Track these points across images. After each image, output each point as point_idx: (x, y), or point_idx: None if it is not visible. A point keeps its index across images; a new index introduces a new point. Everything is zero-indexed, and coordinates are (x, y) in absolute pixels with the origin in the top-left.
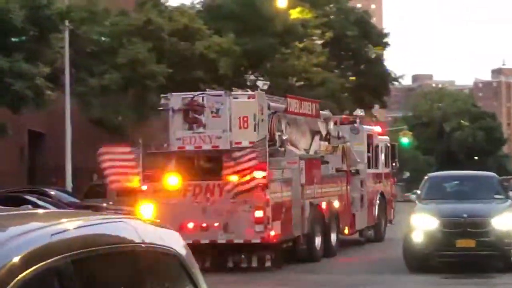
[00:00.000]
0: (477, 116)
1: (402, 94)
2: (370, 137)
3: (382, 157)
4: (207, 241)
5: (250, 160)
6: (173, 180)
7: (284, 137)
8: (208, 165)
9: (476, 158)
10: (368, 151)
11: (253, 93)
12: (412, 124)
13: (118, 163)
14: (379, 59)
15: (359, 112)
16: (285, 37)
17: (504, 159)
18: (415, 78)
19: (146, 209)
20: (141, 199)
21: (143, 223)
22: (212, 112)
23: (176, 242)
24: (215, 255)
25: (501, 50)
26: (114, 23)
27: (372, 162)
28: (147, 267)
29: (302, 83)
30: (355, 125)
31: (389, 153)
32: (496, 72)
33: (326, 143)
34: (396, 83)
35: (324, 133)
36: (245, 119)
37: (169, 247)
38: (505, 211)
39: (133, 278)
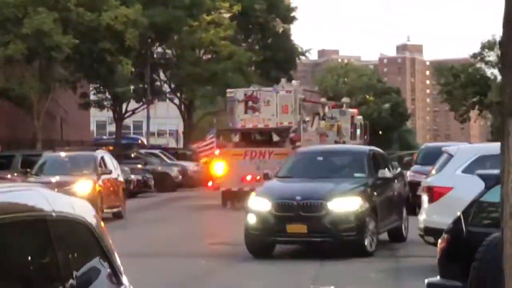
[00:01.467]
0: (383, 91)
1: (308, 69)
2: (352, 117)
3: (358, 131)
4: None
5: (293, 133)
6: (237, 146)
7: (306, 119)
8: (261, 137)
9: (380, 133)
10: (351, 128)
11: (290, 89)
12: None
13: (204, 144)
14: (286, 33)
15: (346, 99)
16: (193, 9)
17: (407, 134)
18: (321, 53)
19: (219, 166)
20: (215, 159)
21: (54, 192)
22: (264, 102)
23: (87, 212)
24: None
25: (406, 26)
26: None
27: (353, 135)
28: (58, 235)
29: (209, 56)
30: (343, 109)
31: (362, 128)
32: (401, 48)
33: (323, 122)
34: (303, 57)
35: (321, 114)
36: (286, 107)
37: (80, 216)
38: (349, 193)
39: (44, 246)
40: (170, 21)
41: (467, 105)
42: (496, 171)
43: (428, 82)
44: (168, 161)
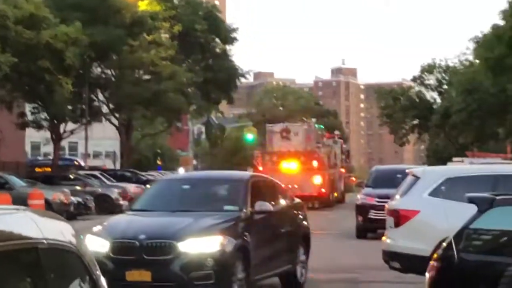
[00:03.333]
0: (320, 114)
1: (243, 91)
2: (341, 145)
3: (344, 156)
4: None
5: (314, 155)
6: (278, 165)
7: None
8: (293, 157)
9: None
10: (341, 154)
11: (311, 125)
12: (256, 121)
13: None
14: (227, 54)
15: (337, 132)
16: (134, 28)
17: None
18: (256, 75)
19: None
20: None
21: (42, 216)
22: (294, 134)
23: (72, 234)
24: None
25: (341, 50)
26: None
27: (342, 160)
28: (49, 265)
29: (149, 76)
30: (336, 138)
31: (346, 154)
32: (336, 71)
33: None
34: (243, 78)
35: (322, 143)
36: (309, 136)
37: (69, 242)
38: (208, 230)
39: (34, 276)
40: (110, 40)
41: (406, 128)
42: (487, 194)
43: (362, 105)
44: (108, 182)
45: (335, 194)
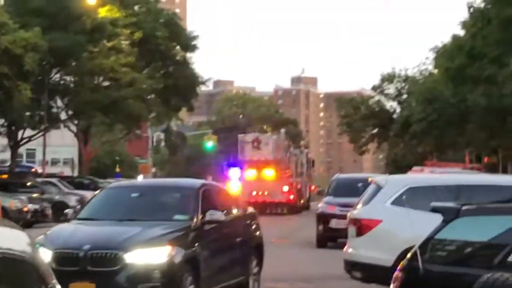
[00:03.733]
0: (280, 122)
1: (203, 99)
2: (307, 154)
3: (308, 165)
4: (261, 200)
5: (284, 164)
6: (248, 173)
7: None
8: (263, 166)
9: None
10: (306, 163)
11: (281, 135)
12: (216, 128)
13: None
14: (187, 62)
15: (304, 142)
16: (94, 35)
17: None
18: (216, 83)
19: (237, 185)
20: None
21: None
22: (264, 144)
23: (27, 244)
24: (264, 207)
25: (301, 58)
26: None
27: (307, 168)
28: (1, 275)
29: (109, 83)
30: (302, 148)
31: (310, 163)
32: (296, 80)
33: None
34: (203, 86)
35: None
36: (278, 146)
37: (23, 252)
38: (156, 241)
39: None
40: (70, 46)
41: (366, 137)
42: (453, 204)
43: (322, 114)
44: (66, 189)
45: (302, 201)
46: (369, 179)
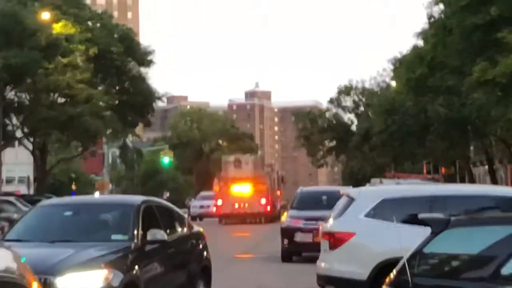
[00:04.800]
0: (236, 137)
1: (157, 114)
2: (277, 172)
3: (278, 181)
4: (243, 211)
5: (261, 180)
6: (231, 188)
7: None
8: (244, 182)
9: None
10: (277, 179)
11: (258, 155)
12: (172, 144)
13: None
14: (143, 77)
15: (272, 162)
16: (49, 51)
17: None
18: (170, 99)
19: (219, 200)
20: (217, 196)
21: None
22: (244, 163)
23: (15, 261)
24: (245, 217)
25: (254, 72)
26: None
27: (278, 184)
28: None
29: (64, 100)
30: (272, 167)
31: (281, 179)
32: (250, 94)
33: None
34: (160, 101)
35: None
36: (256, 165)
37: (20, 276)
38: (90, 264)
39: None
40: (25, 63)
41: (324, 151)
42: (442, 215)
43: (276, 128)
44: (24, 208)
45: (275, 211)
46: (340, 192)
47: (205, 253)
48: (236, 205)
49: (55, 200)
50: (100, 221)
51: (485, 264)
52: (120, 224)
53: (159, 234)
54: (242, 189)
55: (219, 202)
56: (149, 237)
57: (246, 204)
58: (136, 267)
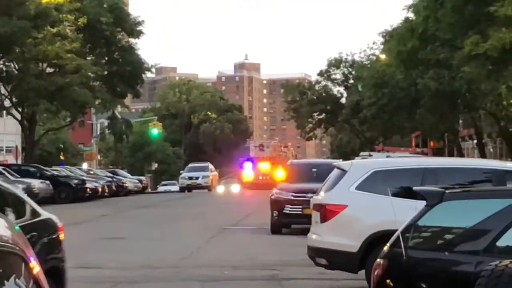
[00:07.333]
0: (225, 109)
1: (145, 85)
2: (292, 151)
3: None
4: (264, 181)
5: (278, 159)
6: (258, 166)
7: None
8: (265, 161)
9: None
10: (292, 158)
11: (276, 142)
12: (161, 115)
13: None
14: (133, 48)
15: (289, 143)
16: (38, 20)
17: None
18: (158, 70)
19: (250, 173)
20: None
21: None
22: (266, 147)
23: (9, 229)
24: (267, 186)
25: (244, 44)
26: None
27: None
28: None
29: (53, 69)
30: (288, 148)
31: (295, 157)
32: (239, 66)
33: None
34: (148, 73)
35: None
36: (274, 148)
37: (16, 244)
38: None
39: None
40: (13, 32)
41: (313, 123)
42: (436, 188)
43: (265, 100)
44: (12, 178)
45: None
46: (333, 164)
47: (55, 249)
48: (260, 177)
49: None
50: None
51: (480, 237)
52: None
53: None
54: (264, 166)
55: (250, 174)
56: None
57: (267, 177)
58: None
